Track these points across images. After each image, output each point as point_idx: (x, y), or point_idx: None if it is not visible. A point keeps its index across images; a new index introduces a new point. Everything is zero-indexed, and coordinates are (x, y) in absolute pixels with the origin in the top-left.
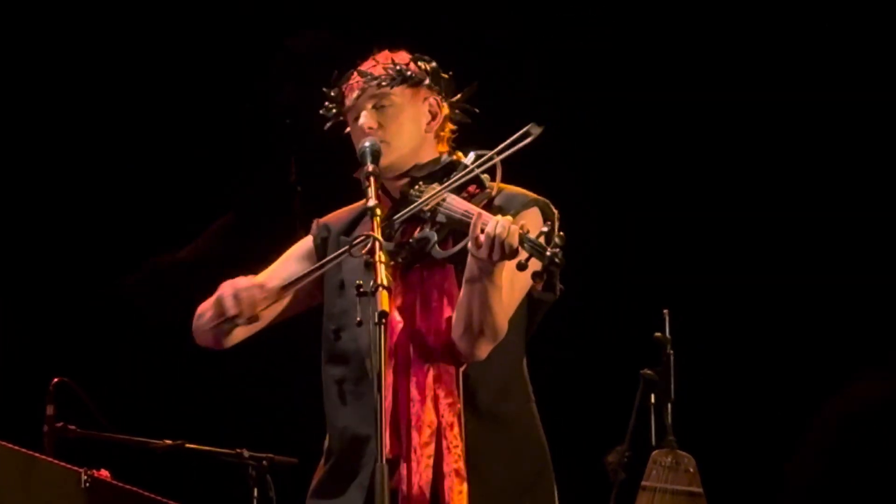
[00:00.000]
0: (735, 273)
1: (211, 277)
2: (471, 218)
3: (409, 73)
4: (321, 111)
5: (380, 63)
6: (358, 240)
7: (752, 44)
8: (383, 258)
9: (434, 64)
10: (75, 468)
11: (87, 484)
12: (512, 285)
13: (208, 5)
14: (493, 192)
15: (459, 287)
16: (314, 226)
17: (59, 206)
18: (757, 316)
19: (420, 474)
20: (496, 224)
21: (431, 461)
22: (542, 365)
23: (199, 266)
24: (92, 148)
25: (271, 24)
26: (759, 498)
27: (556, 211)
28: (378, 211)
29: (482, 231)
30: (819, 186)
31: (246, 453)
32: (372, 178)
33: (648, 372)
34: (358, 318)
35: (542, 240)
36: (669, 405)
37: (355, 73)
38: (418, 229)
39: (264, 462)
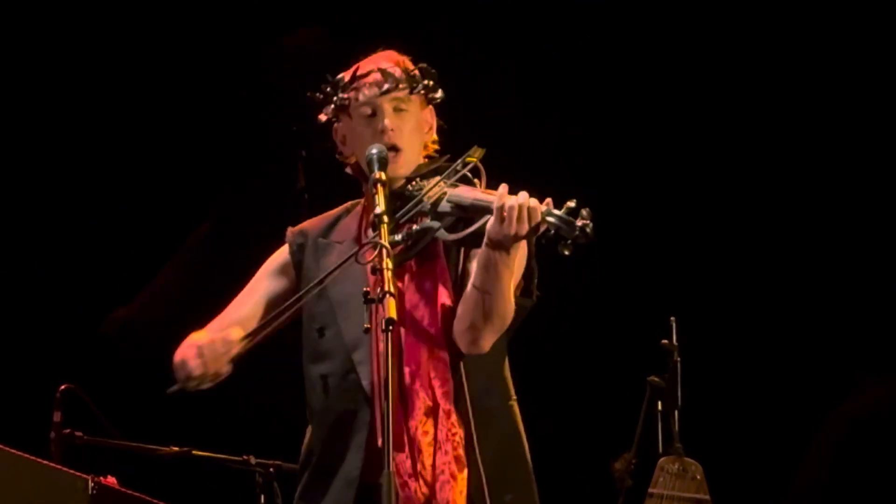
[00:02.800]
0: (742, 280)
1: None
2: (482, 201)
3: (423, 81)
4: (320, 95)
5: (399, 65)
6: (364, 246)
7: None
8: (390, 265)
9: (436, 74)
10: (82, 475)
11: (95, 491)
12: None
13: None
14: None
15: (452, 277)
16: (289, 234)
17: (66, 214)
18: (764, 323)
19: (417, 459)
20: (518, 196)
21: (432, 448)
22: (550, 372)
23: (182, 287)
24: (91, 155)
25: (266, 26)
26: None
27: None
28: (385, 219)
29: (504, 204)
30: (828, 194)
31: (253, 460)
32: (379, 186)
33: (655, 379)
34: (366, 325)
35: (568, 214)
36: (676, 412)
37: (377, 69)
38: (418, 221)
39: (271, 469)
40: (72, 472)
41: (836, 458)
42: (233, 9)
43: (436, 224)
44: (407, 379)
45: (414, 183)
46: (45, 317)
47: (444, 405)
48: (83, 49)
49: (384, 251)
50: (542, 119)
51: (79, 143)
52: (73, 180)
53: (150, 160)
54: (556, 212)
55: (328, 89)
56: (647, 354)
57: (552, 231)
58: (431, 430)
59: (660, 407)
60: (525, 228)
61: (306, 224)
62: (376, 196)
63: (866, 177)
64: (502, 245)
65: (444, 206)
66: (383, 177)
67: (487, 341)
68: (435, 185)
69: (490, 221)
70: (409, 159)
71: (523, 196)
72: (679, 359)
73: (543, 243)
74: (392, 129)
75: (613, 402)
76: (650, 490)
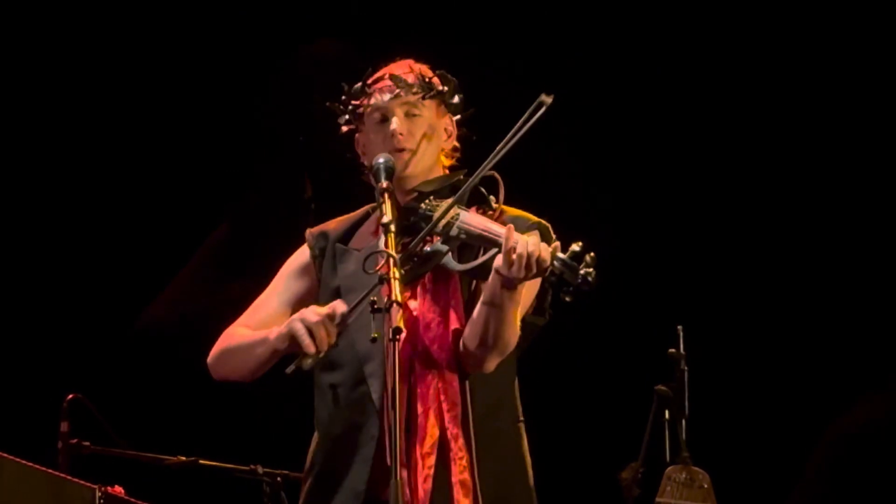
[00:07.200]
0: (749, 288)
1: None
2: (491, 234)
3: (439, 88)
4: (338, 104)
5: (413, 72)
6: (371, 255)
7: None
8: (397, 274)
9: (456, 82)
10: (90, 484)
11: (102, 500)
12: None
13: (217, 13)
14: (496, 213)
15: (464, 299)
16: (308, 236)
17: (74, 222)
18: (771, 331)
19: (420, 485)
20: (527, 242)
21: (432, 472)
22: (556, 381)
23: (199, 288)
24: (101, 163)
25: (282, 33)
26: None
27: (554, 235)
28: (392, 227)
29: (514, 249)
30: (835, 204)
31: (260, 469)
32: (386, 195)
33: (662, 388)
34: (373, 334)
35: (573, 259)
36: (683, 421)
37: (388, 76)
38: (428, 242)
39: (279, 478)
40: (79, 481)
41: (831, 473)
42: (253, 16)
43: (444, 248)
44: (417, 403)
45: (428, 201)
46: (53, 326)
47: (452, 429)
48: (103, 59)
49: (391, 260)
50: (549, 128)
51: (88, 155)
52: (81, 189)
53: (158, 175)
54: (562, 256)
55: (344, 97)
56: (654, 363)
57: (556, 276)
58: (434, 454)
59: (667, 416)
60: (532, 273)
61: (326, 226)
62: (383, 205)
63: (874, 188)
64: (509, 283)
65: (455, 231)
66: (389, 186)
67: (491, 364)
68: (448, 208)
69: (498, 259)
70: (421, 163)
71: (533, 242)
72: (686, 367)
73: (547, 287)
74: (401, 133)
75: (620, 411)
76: (657, 499)
